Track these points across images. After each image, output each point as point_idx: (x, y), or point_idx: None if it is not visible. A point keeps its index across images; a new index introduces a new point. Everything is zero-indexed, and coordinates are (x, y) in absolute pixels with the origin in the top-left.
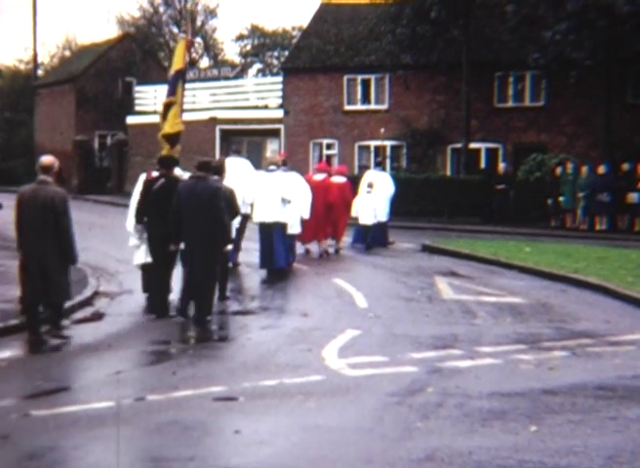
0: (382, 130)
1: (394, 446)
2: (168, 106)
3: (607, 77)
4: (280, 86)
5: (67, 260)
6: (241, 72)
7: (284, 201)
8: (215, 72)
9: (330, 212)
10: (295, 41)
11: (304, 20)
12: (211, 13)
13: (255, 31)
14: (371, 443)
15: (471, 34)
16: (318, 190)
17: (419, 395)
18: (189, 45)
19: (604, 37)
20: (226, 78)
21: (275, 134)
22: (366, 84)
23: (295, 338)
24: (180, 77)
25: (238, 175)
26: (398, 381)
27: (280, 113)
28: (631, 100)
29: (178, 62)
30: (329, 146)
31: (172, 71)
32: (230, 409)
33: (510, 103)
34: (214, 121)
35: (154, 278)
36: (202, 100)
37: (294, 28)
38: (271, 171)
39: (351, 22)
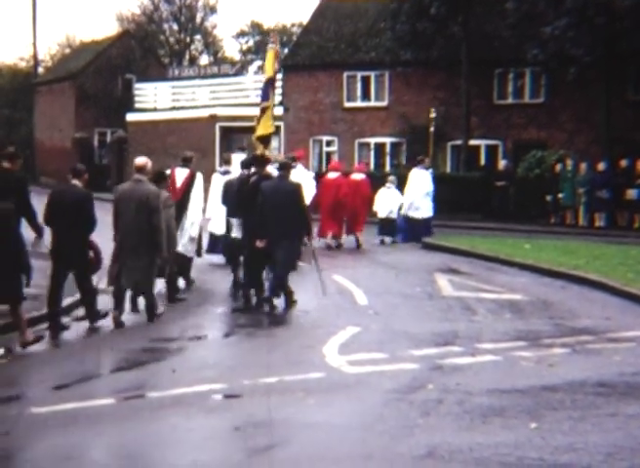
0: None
1: (395, 442)
2: (263, 111)
3: (606, 73)
4: (280, 83)
5: (157, 252)
6: (241, 69)
7: None
8: (215, 69)
9: (342, 208)
10: (295, 38)
11: (304, 17)
12: (211, 9)
13: (255, 28)
14: (371, 439)
15: (471, 31)
16: (330, 188)
17: (419, 392)
18: (277, 54)
19: (603, 33)
20: (226, 75)
21: (275, 131)
22: (366, 81)
23: (295, 335)
24: (271, 84)
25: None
26: (398, 378)
27: (280, 110)
28: (631, 97)
29: (268, 71)
30: (329, 143)
31: (265, 78)
32: (230, 405)
33: (510, 100)
34: (214, 118)
35: (245, 270)
36: (202, 98)
37: (293, 25)
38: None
39: (351, 19)
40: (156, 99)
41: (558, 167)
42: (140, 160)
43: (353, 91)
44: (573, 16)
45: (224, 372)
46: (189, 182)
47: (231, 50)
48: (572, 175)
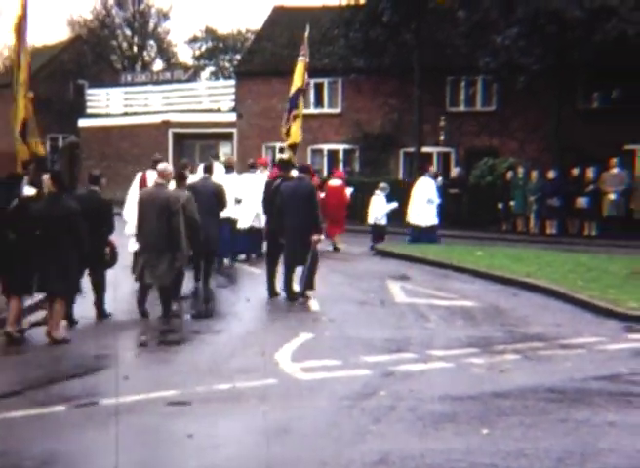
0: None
1: (347, 449)
2: (294, 119)
3: (557, 83)
4: (233, 89)
5: (176, 250)
6: (194, 75)
7: (236, 200)
8: (167, 75)
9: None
10: (248, 44)
11: (258, 24)
12: (164, 15)
13: (208, 34)
14: (324, 446)
15: (423, 39)
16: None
17: (371, 398)
18: (307, 66)
19: (554, 43)
20: (179, 81)
21: (228, 137)
22: (319, 88)
23: (248, 342)
24: (301, 93)
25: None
26: (351, 385)
27: (233, 117)
28: (581, 106)
29: (298, 81)
30: (282, 150)
31: (293, 89)
32: (183, 413)
33: (462, 108)
34: (166, 124)
35: (267, 265)
36: (155, 103)
37: (247, 31)
38: (229, 172)
39: (304, 26)
40: (109, 105)
41: (509, 174)
42: (162, 166)
43: (306, 97)
44: (524, 25)
45: (177, 379)
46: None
47: (184, 55)
48: (523, 183)
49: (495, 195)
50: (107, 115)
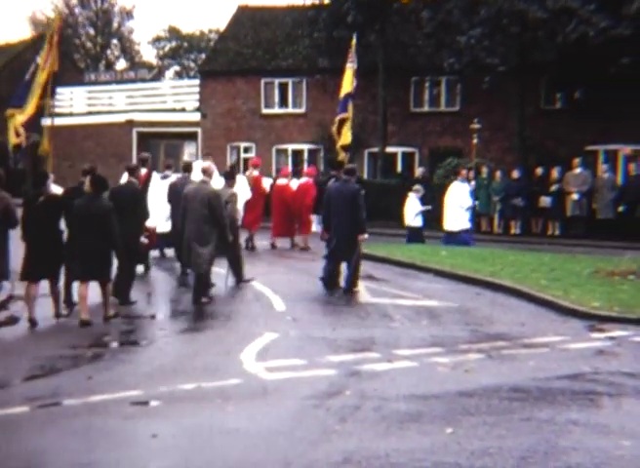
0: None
1: (312, 449)
2: (342, 122)
3: (520, 83)
4: (197, 89)
5: (223, 239)
6: (158, 75)
7: None
8: (131, 74)
9: (289, 211)
10: (212, 44)
11: (222, 23)
12: (127, 14)
13: (172, 33)
14: (289, 446)
15: (387, 39)
16: (277, 193)
17: (336, 398)
18: (355, 73)
19: (517, 43)
20: (143, 80)
21: (192, 137)
22: (283, 88)
23: (212, 342)
24: (351, 98)
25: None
26: (316, 384)
27: (197, 116)
28: (544, 106)
29: (347, 87)
30: (246, 150)
31: (342, 94)
32: (147, 413)
33: (426, 108)
34: (130, 124)
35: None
36: (118, 103)
37: (211, 31)
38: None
39: (269, 26)
40: (72, 104)
41: (472, 175)
42: (205, 164)
43: (271, 97)
44: (487, 25)
45: (141, 379)
46: (147, 180)
47: (148, 55)
48: (487, 183)
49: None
50: (71, 114)
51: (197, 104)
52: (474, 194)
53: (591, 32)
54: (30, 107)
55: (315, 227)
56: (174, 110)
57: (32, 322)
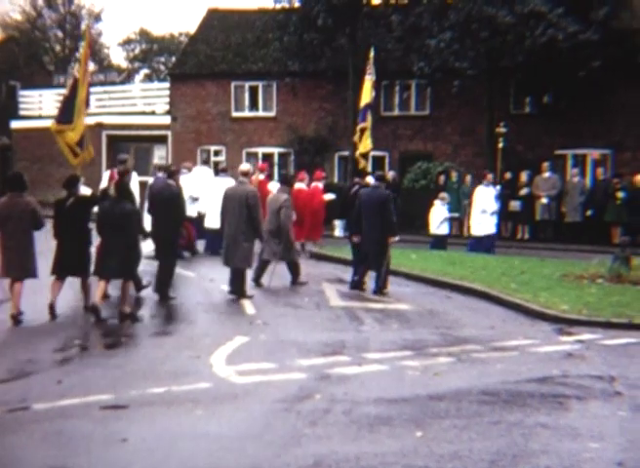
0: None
1: (282, 452)
2: (362, 131)
3: (489, 87)
4: (167, 92)
5: (256, 236)
6: (128, 77)
7: (191, 198)
8: (101, 77)
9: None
10: (182, 47)
11: (192, 26)
12: (96, 17)
13: (142, 36)
14: (259, 450)
15: (358, 43)
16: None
17: (306, 401)
18: (374, 84)
19: (486, 47)
20: (113, 83)
21: (162, 140)
22: (253, 91)
23: (183, 346)
24: (370, 108)
25: (207, 183)
26: (286, 388)
27: (167, 119)
28: (513, 110)
29: (365, 97)
30: (217, 153)
31: (362, 104)
32: (118, 417)
33: (396, 112)
34: (100, 126)
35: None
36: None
37: (181, 34)
38: (183, 173)
39: (239, 29)
40: (41, 107)
41: (442, 178)
42: (244, 166)
43: (241, 101)
44: (456, 30)
45: (111, 383)
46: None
47: (118, 58)
48: (457, 187)
49: (428, 199)
50: (40, 117)
51: (167, 107)
52: (500, 198)
53: (560, 37)
54: (80, 124)
55: (340, 232)
56: (143, 113)
57: (51, 307)
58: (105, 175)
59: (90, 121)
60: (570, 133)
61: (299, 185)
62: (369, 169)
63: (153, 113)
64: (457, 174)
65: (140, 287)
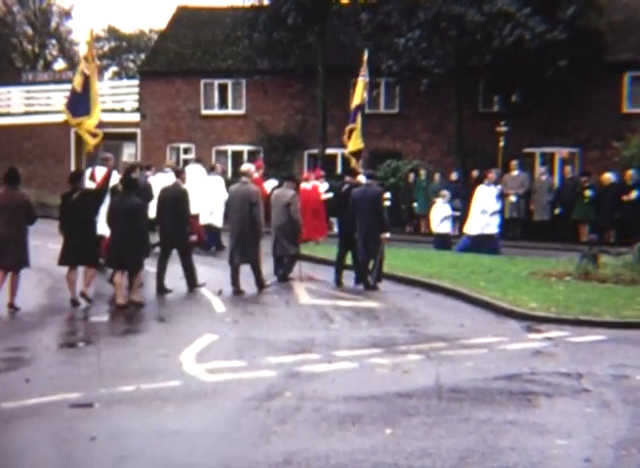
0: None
1: (252, 450)
2: (351, 131)
3: (458, 86)
4: (136, 89)
5: (258, 234)
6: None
7: None
8: (70, 74)
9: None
10: (152, 44)
11: (162, 23)
12: (66, 14)
13: (111, 33)
14: (228, 448)
15: (327, 41)
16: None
17: (276, 399)
18: (366, 85)
19: (454, 46)
20: None
21: (132, 138)
22: (223, 89)
23: (152, 344)
24: (360, 109)
25: (199, 181)
26: (256, 386)
27: (137, 117)
28: (482, 109)
29: (357, 98)
30: (186, 151)
31: (353, 105)
32: (86, 415)
33: (366, 110)
34: (68, 124)
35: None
36: (57, 103)
37: (151, 31)
38: (166, 172)
39: (208, 27)
40: (9, 104)
41: (411, 176)
42: (245, 166)
43: (211, 98)
44: (425, 28)
45: (80, 381)
46: (107, 179)
47: None
48: (426, 185)
49: (397, 197)
50: (8, 114)
51: (136, 105)
52: (501, 198)
53: (528, 36)
54: (97, 112)
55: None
56: (112, 111)
57: (74, 302)
58: (87, 172)
59: (58, 118)
60: (538, 131)
61: (303, 186)
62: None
63: (122, 111)
64: (425, 172)
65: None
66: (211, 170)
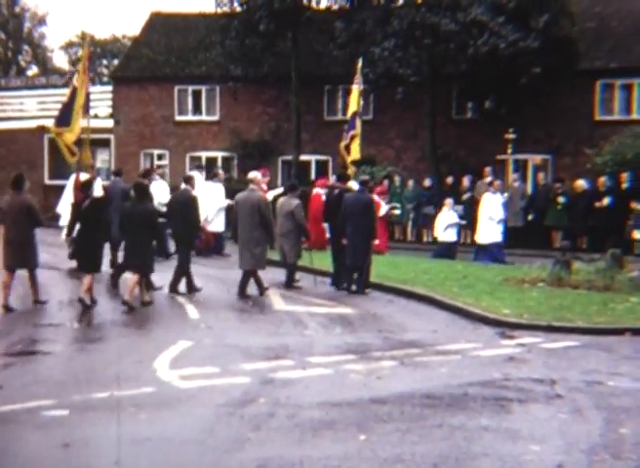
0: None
1: (226, 457)
2: (352, 138)
3: (432, 93)
4: (110, 95)
5: (268, 239)
6: (70, 80)
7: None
8: (43, 80)
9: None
10: (125, 50)
11: (135, 29)
12: (39, 20)
13: (85, 39)
14: (202, 454)
15: (300, 48)
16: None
17: (250, 406)
18: (361, 93)
19: (429, 54)
20: (55, 86)
21: (105, 143)
22: (197, 95)
23: (126, 350)
24: (358, 116)
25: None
26: (230, 392)
27: (110, 123)
28: (455, 116)
29: (353, 106)
30: (160, 157)
31: (350, 113)
32: (60, 422)
33: (340, 117)
34: (42, 130)
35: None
36: (30, 109)
37: (124, 37)
38: (155, 180)
39: (182, 33)
40: None
41: (385, 183)
42: (252, 174)
43: (184, 104)
44: (400, 36)
45: (54, 388)
46: (89, 185)
47: (60, 60)
48: (399, 191)
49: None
50: None
51: (110, 111)
52: (507, 206)
53: (501, 44)
54: (77, 127)
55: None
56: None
57: (82, 302)
58: (70, 178)
59: (31, 124)
60: (511, 138)
61: (317, 191)
62: (350, 175)
63: (96, 116)
64: (399, 178)
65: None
66: (213, 176)
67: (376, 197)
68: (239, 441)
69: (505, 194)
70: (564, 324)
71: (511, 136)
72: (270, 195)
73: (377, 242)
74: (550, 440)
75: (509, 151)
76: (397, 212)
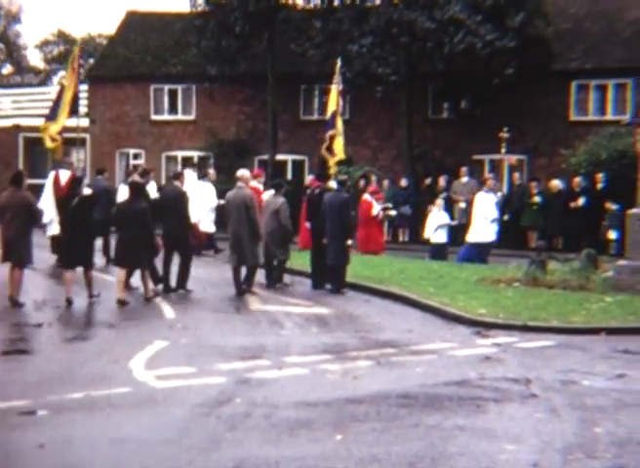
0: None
1: (202, 457)
2: (332, 138)
3: (408, 92)
4: (86, 94)
5: (256, 237)
6: (45, 79)
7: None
8: (18, 79)
9: None
10: (101, 49)
11: (111, 28)
12: (14, 18)
13: (60, 37)
14: (178, 454)
15: (276, 48)
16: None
17: (226, 406)
18: (340, 92)
19: (406, 53)
20: (30, 85)
21: (81, 143)
22: (173, 94)
23: (101, 350)
24: (337, 115)
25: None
26: (206, 392)
27: (85, 122)
28: (432, 116)
29: (332, 105)
30: (136, 156)
31: (329, 112)
32: (35, 423)
33: (316, 116)
34: (17, 129)
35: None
36: (5, 108)
37: (100, 36)
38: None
39: (158, 32)
40: None
41: (362, 182)
42: (240, 172)
43: (160, 104)
44: (377, 34)
45: (28, 388)
46: (72, 182)
47: (35, 59)
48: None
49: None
50: None
51: (85, 110)
52: (500, 205)
53: (478, 44)
54: (62, 119)
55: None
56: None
57: (69, 301)
58: (50, 175)
59: (6, 123)
60: (487, 138)
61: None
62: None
63: (87, 116)
64: (376, 177)
65: (158, 278)
66: (203, 176)
67: (368, 197)
68: (215, 441)
69: (499, 193)
70: (539, 323)
71: (505, 134)
72: (266, 196)
73: (349, 242)
74: (525, 439)
75: (503, 151)
76: (392, 212)
